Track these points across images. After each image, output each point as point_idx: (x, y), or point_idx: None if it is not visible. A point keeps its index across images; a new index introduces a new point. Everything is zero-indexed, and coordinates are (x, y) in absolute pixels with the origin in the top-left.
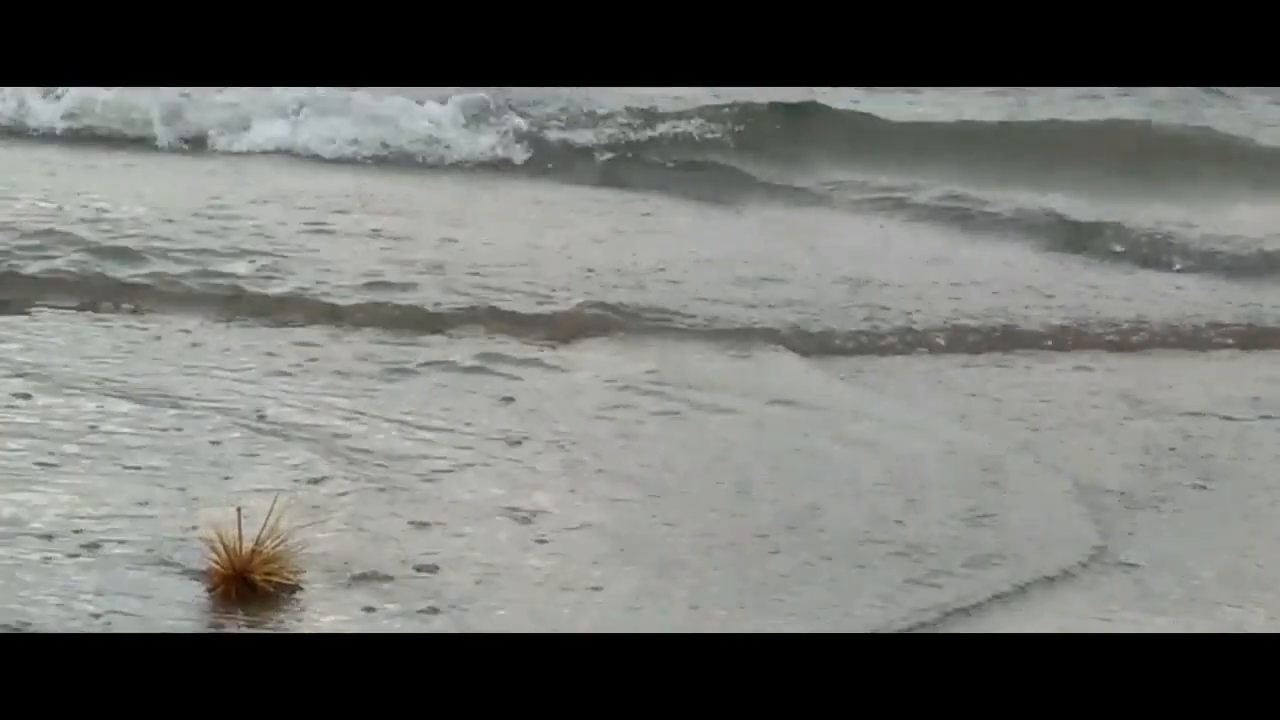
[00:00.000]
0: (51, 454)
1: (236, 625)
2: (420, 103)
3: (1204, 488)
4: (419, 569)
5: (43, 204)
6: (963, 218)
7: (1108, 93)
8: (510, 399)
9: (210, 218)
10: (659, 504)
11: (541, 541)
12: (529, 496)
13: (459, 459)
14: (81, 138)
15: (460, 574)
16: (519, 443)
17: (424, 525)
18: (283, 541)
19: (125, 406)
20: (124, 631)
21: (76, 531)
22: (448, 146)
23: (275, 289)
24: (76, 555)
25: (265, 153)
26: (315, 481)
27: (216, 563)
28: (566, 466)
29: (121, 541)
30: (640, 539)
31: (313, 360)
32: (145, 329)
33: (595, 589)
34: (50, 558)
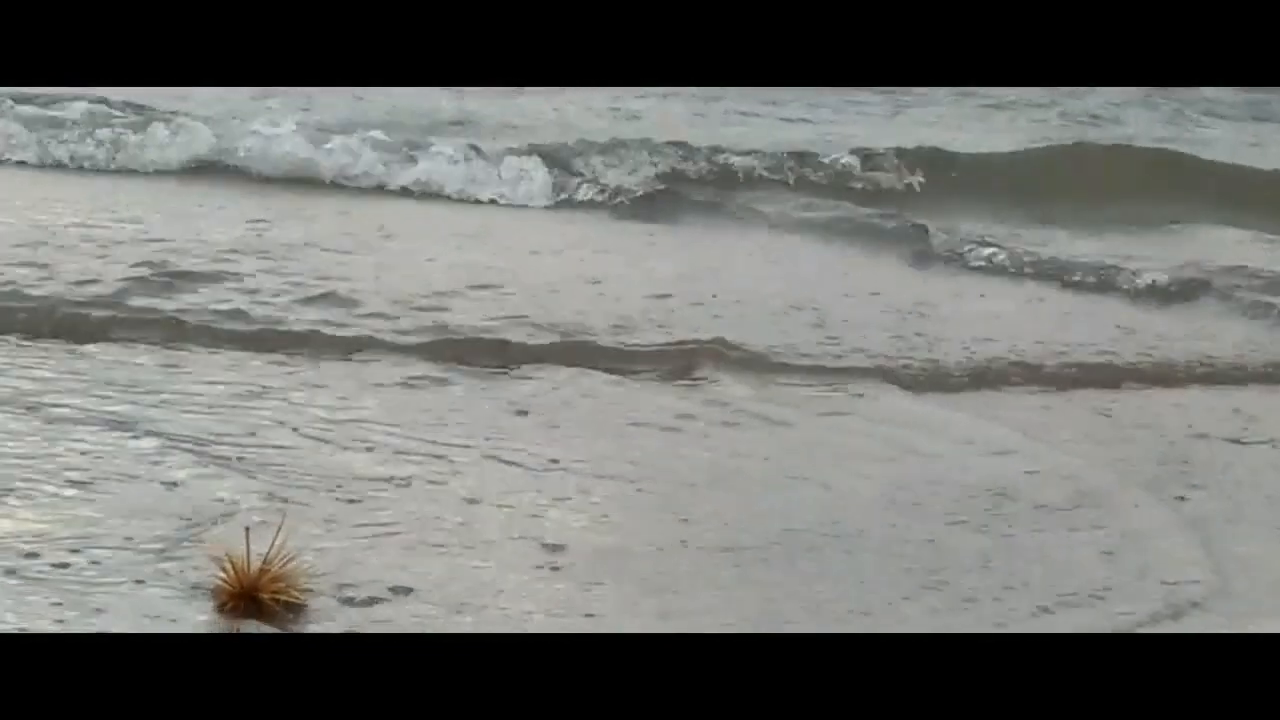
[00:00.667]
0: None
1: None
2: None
3: None
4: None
5: None
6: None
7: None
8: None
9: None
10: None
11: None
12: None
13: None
14: None
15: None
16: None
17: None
18: (290, 560)
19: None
20: (120, 632)
21: (74, 551)
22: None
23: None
24: (81, 572)
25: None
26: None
27: (225, 581)
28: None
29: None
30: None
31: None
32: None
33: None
34: (51, 576)
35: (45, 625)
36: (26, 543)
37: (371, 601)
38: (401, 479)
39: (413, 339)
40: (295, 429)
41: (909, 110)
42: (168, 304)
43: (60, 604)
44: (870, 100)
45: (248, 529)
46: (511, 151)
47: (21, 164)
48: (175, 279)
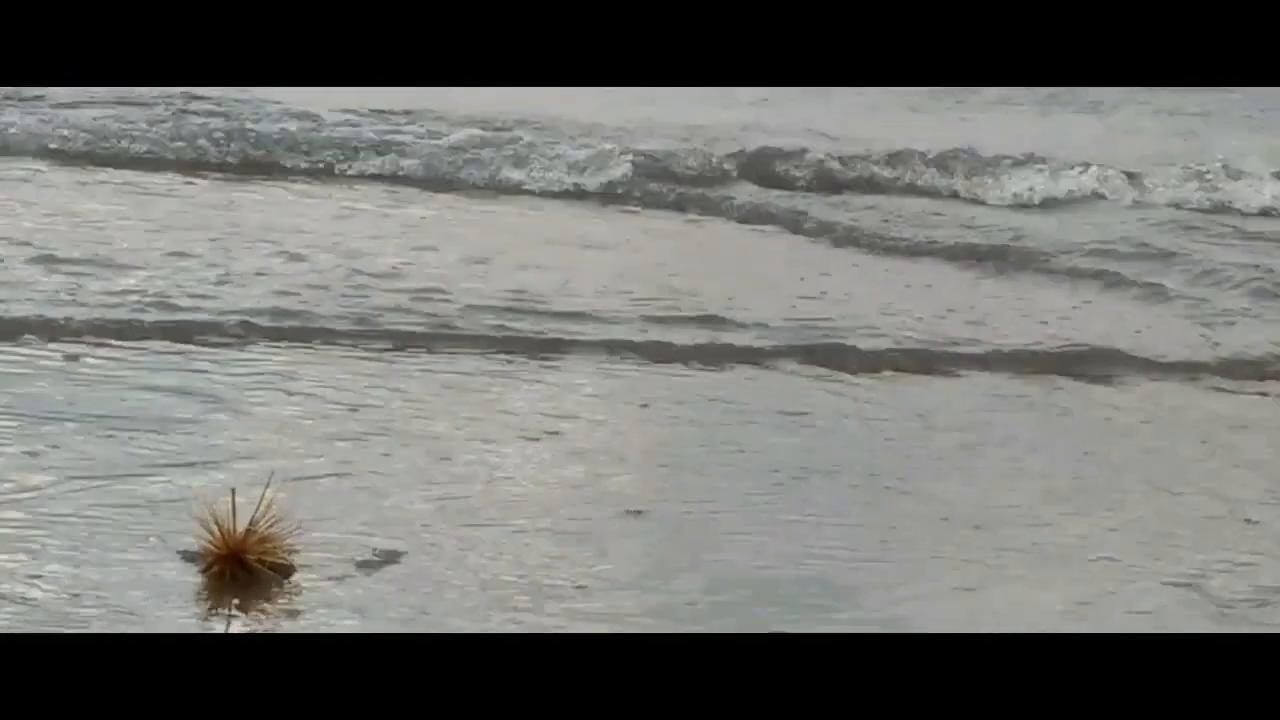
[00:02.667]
0: None
1: (229, 606)
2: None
3: None
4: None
5: None
6: None
7: None
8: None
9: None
10: None
11: None
12: None
13: None
14: None
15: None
16: None
17: None
18: (277, 521)
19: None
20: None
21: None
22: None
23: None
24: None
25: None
26: None
27: (211, 543)
28: None
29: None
30: None
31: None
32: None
33: None
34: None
35: None
36: None
37: None
38: None
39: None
40: None
41: None
42: None
43: None
44: None
45: (233, 490)
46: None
47: None
48: None
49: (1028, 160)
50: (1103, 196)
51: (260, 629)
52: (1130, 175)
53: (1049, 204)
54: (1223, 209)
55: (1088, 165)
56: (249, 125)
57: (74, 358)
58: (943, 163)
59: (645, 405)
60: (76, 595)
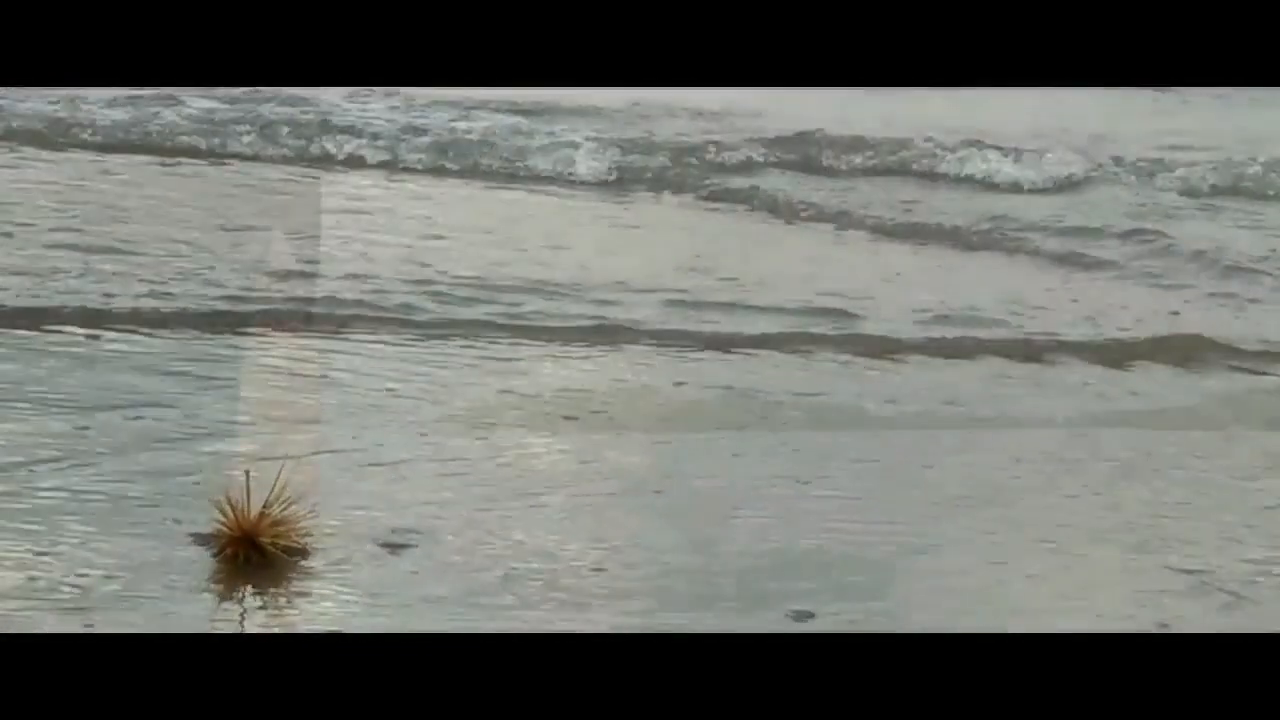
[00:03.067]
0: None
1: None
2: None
3: None
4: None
5: None
6: None
7: None
8: None
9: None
10: None
11: None
12: None
13: None
14: None
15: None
16: None
17: None
18: (291, 504)
19: None
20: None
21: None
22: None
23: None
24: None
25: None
26: None
27: (224, 525)
28: None
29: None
30: None
31: None
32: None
33: None
34: (56, 520)
35: None
36: None
37: None
38: None
39: None
40: None
41: None
42: None
43: None
44: None
45: (247, 473)
46: None
47: None
48: None
49: (1042, 145)
50: (1115, 179)
51: (272, 612)
52: (1142, 158)
53: (1062, 187)
54: (1239, 191)
55: (1096, 150)
56: (260, 109)
57: (94, 337)
58: (962, 148)
59: (681, 383)
60: (84, 575)
